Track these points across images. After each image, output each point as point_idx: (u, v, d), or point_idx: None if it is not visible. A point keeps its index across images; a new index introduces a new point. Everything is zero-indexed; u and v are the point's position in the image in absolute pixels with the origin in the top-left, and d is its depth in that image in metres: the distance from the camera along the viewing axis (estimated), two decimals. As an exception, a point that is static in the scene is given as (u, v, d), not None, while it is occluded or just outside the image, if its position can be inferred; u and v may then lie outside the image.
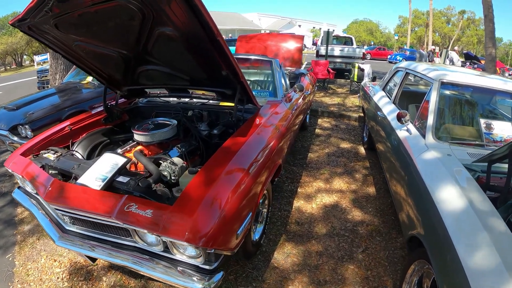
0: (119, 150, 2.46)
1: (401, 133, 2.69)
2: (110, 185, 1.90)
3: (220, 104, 2.97)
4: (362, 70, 9.01)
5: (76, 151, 2.57)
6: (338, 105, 7.60)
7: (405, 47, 37.90)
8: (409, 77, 3.54)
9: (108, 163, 2.01)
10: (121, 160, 2.03)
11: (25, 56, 34.19)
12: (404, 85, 3.58)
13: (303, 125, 5.55)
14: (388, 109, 3.43)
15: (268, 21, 53.56)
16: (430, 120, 2.32)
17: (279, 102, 3.15)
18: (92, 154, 2.68)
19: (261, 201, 2.40)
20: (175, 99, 3.25)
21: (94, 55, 2.45)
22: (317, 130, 5.84)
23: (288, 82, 5.10)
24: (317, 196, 3.56)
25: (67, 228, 2.07)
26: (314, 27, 55.75)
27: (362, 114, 5.83)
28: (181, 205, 1.67)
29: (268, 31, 28.31)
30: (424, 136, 2.33)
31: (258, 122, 2.56)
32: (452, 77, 2.61)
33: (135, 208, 1.67)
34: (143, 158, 2.22)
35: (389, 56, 27.88)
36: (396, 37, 50.69)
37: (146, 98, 3.37)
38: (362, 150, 4.90)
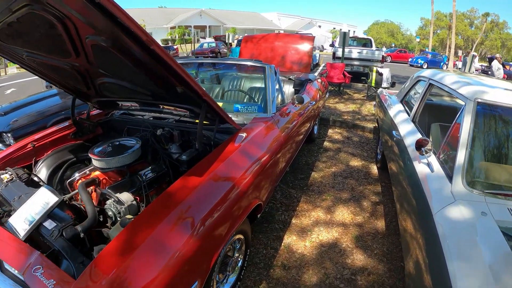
0: (76, 175, 2.18)
1: (420, 167, 2.05)
2: (37, 230, 1.59)
3: (197, 121, 2.43)
4: (381, 74, 8.27)
5: (34, 173, 2.24)
6: (352, 113, 6.91)
7: (426, 50, 36.47)
8: (433, 89, 2.87)
9: (40, 201, 1.66)
10: (52, 199, 1.64)
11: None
12: (427, 98, 2.90)
13: (310, 137, 4.93)
14: (405, 129, 2.78)
15: (287, 21, 52.88)
16: (461, 157, 1.68)
17: (268, 120, 2.56)
18: (55, 175, 2.33)
19: (221, 255, 1.84)
20: (148, 113, 2.77)
21: (48, 66, 2.14)
22: (326, 143, 5.20)
23: (290, 90, 4.55)
24: (313, 230, 2.94)
25: None
26: (334, 28, 54.59)
27: (376, 117, 5.16)
28: (86, 281, 1.22)
29: (282, 31, 27.67)
30: (450, 178, 1.69)
31: (229, 150, 2.01)
32: (493, 96, 1.94)
33: (40, 273, 1.32)
34: (84, 194, 1.85)
35: (410, 59, 26.89)
36: (418, 40, 49.17)
37: (120, 110, 2.91)
38: (374, 169, 4.23)
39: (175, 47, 14.53)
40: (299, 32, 30.06)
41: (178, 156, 2.16)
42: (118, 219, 1.75)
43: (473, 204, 1.49)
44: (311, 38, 5.81)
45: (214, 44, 22.67)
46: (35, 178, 2.19)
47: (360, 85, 10.30)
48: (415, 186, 1.99)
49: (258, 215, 2.36)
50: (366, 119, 6.40)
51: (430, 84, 2.79)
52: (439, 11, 51.57)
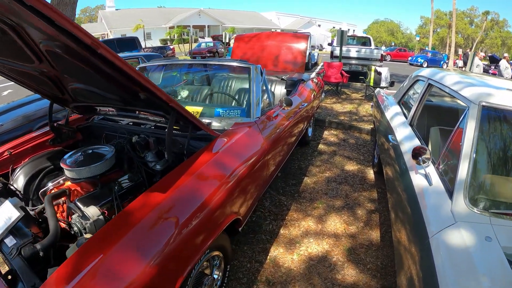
0: (50, 184, 2.06)
1: (417, 179, 1.83)
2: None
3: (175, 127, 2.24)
4: (379, 73, 8.06)
5: (10, 183, 2.12)
6: (349, 114, 6.68)
7: (426, 48, 36.24)
8: (433, 89, 2.64)
9: (3, 216, 1.59)
10: (14, 215, 1.56)
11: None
12: (426, 99, 2.68)
13: (304, 140, 4.71)
14: (402, 133, 2.55)
15: (287, 21, 52.69)
16: (463, 170, 1.45)
17: (251, 125, 2.34)
18: (32, 184, 2.18)
19: (192, 276, 1.64)
20: (125, 119, 2.61)
21: (19, 72, 2.01)
22: (321, 146, 4.97)
23: (282, 91, 4.32)
24: (302, 242, 2.73)
25: None
26: (333, 27, 54.31)
27: (373, 119, 4.93)
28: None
29: (279, 31, 27.39)
30: (451, 194, 1.46)
31: (201, 161, 1.79)
32: (501, 98, 1.70)
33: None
34: (49, 208, 1.71)
35: (410, 58, 26.64)
36: (418, 38, 48.97)
37: (100, 116, 2.74)
38: (370, 174, 4.01)
39: (171, 47, 14.35)
40: (298, 31, 29.79)
41: (152, 166, 1.98)
42: (84, 235, 1.60)
43: (476, 226, 1.27)
44: (305, 37, 5.58)
45: (211, 44, 22.45)
46: (12, 187, 2.10)
47: (358, 84, 10.07)
48: (411, 200, 1.77)
49: (239, 229, 2.15)
50: (364, 120, 6.17)
51: (429, 84, 2.56)
52: (439, 9, 51.61)
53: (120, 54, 7.60)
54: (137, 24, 31.67)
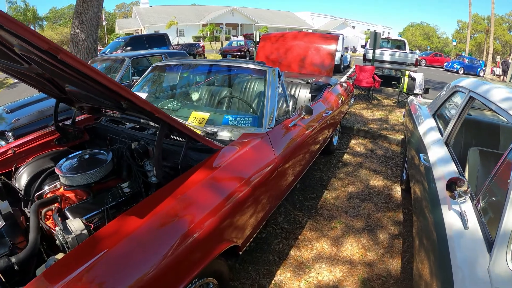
0: (46, 188, 1.96)
1: (449, 216, 1.51)
2: None
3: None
4: (413, 79, 7.54)
5: (10, 182, 2.03)
6: (379, 121, 6.26)
7: (463, 54, 34.36)
8: (474, 102, 2.27)
9: None
10: None
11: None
12: (466, 114, 2.31)
13: (329, 149, 4.39)
14: (436, 153, 2.21)
15: (321, 21, 51.79)
16: (510, 217, 1.12)
17: (261, 137, 2.09)
18: (33, 184, 2.08)
19: None
20: (130, 122, 2.49)
21: (20, 73, 1.94)
22: (346, 156, 4.63)
23: (307, 96, 4.04)
24: (313, 267, 2.45)
25: None
26: (368, 29, 52.73)
27: (404, 132, 4.54)
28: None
29: (310, 31, 26.77)
30: (490, 246, 1.15)
31: (194, 181, 1.57)
32: None
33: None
34: (33, 218, 1.61)
35: (445, 64, 25.34)
36: (455, 43, 46.55)
37: (106, 117, 2.64)
38: (397, 191, 3.64)
39: (201, 44, 14.34)
40: (331, 32, 29.10)
41: (149, 176, 1.83)
42: (67, 249, 1.45)
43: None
44: (335, 38, 5.22)
45: (243, 43, 22.33)
46: (14, 186, 2.02)
47: (390, 90, 9.53)
48: (440, 241, 1.45)
49: (240, 252, 1.92)
50: (394, 129, 5.74)
51: (470, 97, 2.19)
52: (476, 13, 49.00)
53: (144, 51, 7.60)
54: (170, 21, 32.20)
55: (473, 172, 2.10)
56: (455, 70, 23.11)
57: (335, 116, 3.93)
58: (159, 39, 11.89)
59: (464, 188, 1.46)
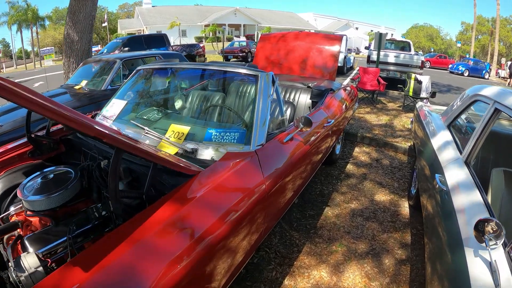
0: (11, 208, 1.72)
1: (476, 266, 1.19)
2: None
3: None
4: (420, 82, 7.22)
5: None
6: (385, 127, 5.92)
7: (467, 56, 33.91)
8: (500, 115, 1.94)
9: None
10: None
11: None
12: (491, 128, 1.97)
13: (331, 158, 4.06)
14: (455, 176, 1.88)
15: (324, 22, 51.44)
16: None
17: (247, 157, 1.77)
18: (4, 201, 1.88)
19: None
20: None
21: None
22: (349, 167, 4.30)
23: (307, 101, 3.72)
24: (312, 303, 2.13)
25: None
26: (371, 30, 52.31)
27: (413, 141, 4.21)
28: None
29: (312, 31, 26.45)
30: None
31: (162, 217, 1.28)
32: None
33: None
34: None
35: (450, 66, 24.93)
36: (459, 45, 46.03)
37: None
38: (405, 208, 3.31)
39: (201, 45, 14.06)
40: (335, 33, 28.72)
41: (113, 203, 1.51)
42: None
43: None
44: (338, 38, 4.89)
45: (245, 43, 22.04)
46: None
47: (396, 93, 9.19)
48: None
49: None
50: (401, 136, 5.40)
51: (496, 109, 1.87)
52: (480, 15, 48.50)
53: (137, 52, 7.31)
54: (172, 21, 31.97)
55: (497, 198, 1.78)
56: (460, 72, 22.75)
57: (338, 124, 3.61)
58: (158, 40, 11.61)
59: (494, 230, 1.15)
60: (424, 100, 7.47)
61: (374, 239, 2.79)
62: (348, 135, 5.37)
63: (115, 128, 1.81)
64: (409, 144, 4.91)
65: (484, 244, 1.19)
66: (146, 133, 2.09)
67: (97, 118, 2.62)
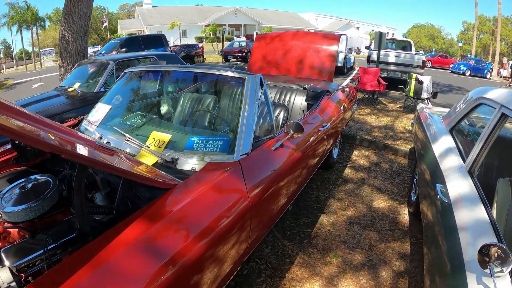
0: None
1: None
2: None
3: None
4: (421, 83, 7.08)
5: None
6: (384, 129, 5.77)
7: (469, 55, 33.69)
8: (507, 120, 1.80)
9: None
10: None
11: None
12: (497, 134, 1.82)
13: (328, 163, 3.91)
14: (457, 187, 1.73)
15: (325, 22, 51.29)
16: None
17: (230, 168, 1.63)
18: None
19: None
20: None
21: None
22: (347, 171, 4.15)
23: (303, 104, 3.59)
24: (304, 322, 1.99)
25: None
26: (372, 30, 52.13)
27: (414, 145, 4.06)
28: None
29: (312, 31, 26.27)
30: None
31: (132, 235, 1.17)
32: None
33: None
34: None
35: (451, 65, 24.74)
36: (461, 44, 45.83)
37: None
38: (404, 215, 3.17)
39: (200, 45, 13.93)
40: (336, 33, 28.51)
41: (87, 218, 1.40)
42: None
43: None
44: (336, 38, 4.73)
45: (244, 43, 21.90)
46: None
47: (396, 93, 9.02)
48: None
49: None
50: (401, 138, 5.25)
51: (503, 114, 1.72)
52: (482, 14, 48.40)
53: (131, 54, 7.20)
54: (172, 22, 31.86)
55: (502, 211, 1.63)
56: (461, 72, 22.58)
57: (335, 128, 3.47)
58: (156, 40, 11.47)
59: (502, 258, 1.01)
60: (425, 101, 7.33)
61: (371, 250, 2.64)
62: (347, 138, 5.22)
63: (89, 138, 1.68)
64: (409, 146, 4.76)
65: (488, 271, 1.05)
66: (127, 140, 1.96)
67: (83, 124, 2.51)
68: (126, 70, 2.73)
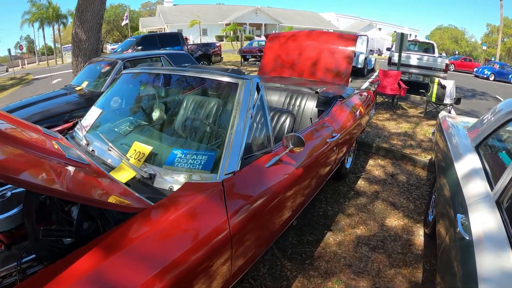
0: None
1: None
2: None
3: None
4: (444, 87, 6.66)
5: None
6: (403, 136, 5.41)
7: (493, 59, 32.22)
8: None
9: None
10: None
11: (108, 45, 36.70)
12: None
13: (340, 173, 3.63)
14: (482, 222, 1.45)
15: (346, 22, 50.40)
16: None
17: (210, 189, 1.41)
18: None
19: None
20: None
21: None
22: (361, 183, 3.85)
23: (314, 110, 3.34)
24: None
25: None
26: (395, 31, 50.83)
27: (434, 158, 3.73)
28: None
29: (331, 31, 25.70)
30: None
31: (85, 266, 1.03)
32: None
33: None
34: None
35: (475, 69, 23.67)
36: (485, 47, 43.98)
37: None
38: (419, 236, 2.87)
39: (217, 44, 13.80)
40: (357, 34, 27.81)
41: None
42: None
43: None
44: (353, 38, 4.41)
45: (264, 43, 21.67)
46: None
47: (417, 97, 8.58)
48: None
49: None
50: (421, 147, 4.89)
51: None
52: (506, 17, 46.08)
53: (140, 52, 7.10)
54: (192, 20, 31.97)
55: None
56: (485, 76, 21.60)
57: (348, 137, 3.20)
58: (173, 38, 11.39)
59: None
60: (448, 107, 6.90)
61: (378, 275, 2.37)
62: (362, 145, 4.91)
63: (60, 152, 1.52)
64: (429, 157, 4.42)
65: None
66: (109, 150, 1.79)
67: (76, 128, 2.38)
68: (123, 72, 2.57)
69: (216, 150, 1.59)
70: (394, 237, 2.83)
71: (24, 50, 34.16)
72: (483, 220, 1.44)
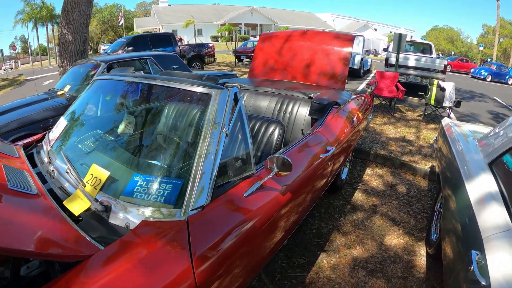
0: None
1: None
2: None
3: None
4: (443, 90, 6.43)
5: None
6: (402, 142, 5.17)
7: (489, 59, 32.25)
8: None
9: None
10: None
11: (102, 45, 36.33)
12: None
13: (335, 185, 3.38)
14: (504, 262, 1.21)
15: (342, 23, 50.29)
16: None
17: (171, 230, 1.15)
18: None
19: None
20: None
21: None
22: (357, 195, 3.60)
23: (306, 119, 3.09)
24: None
25: None
26: (391, 32, 50.83)
27: (436, 167, 3.49)
28: None
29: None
30: None
31: None
32: None
33: None
34: None
35: (472, 70, 23.64)
36: (481, 48, 44.08)
37: None
38: (421, 257, 2.62)
39: (210, 44, 13.49)
40: (353, 34, 27.60)
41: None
42: None
43: None
44: (349, 38, 4.15)
45: (258, 43, 21.41)
46: None
47: (415, 100, 8.37)
48: None
49: None
50: (420, 153, 4.65)
51: None
52: (502, 18, 46.31)
53: (125, 54, 6.82)
54: (187, 20, 31.64)
55: None
56: (482, 77, 21.53)
57: (344, 149, 2.95)
58: (165, 39, 11.09)
59: None
60: (447, 110, 6.68)
61: (379, 307, 2.13)
62: (359, 153, 4.67)
63: (4, 179, 1.27)
64: (430, 164, 4.18)
65: None
66: (67, 171, 1.53)
67: (43, 141, 2.14)
68: (95, 78, 2.30)
69: (184, 176, 1.32)
70: (394, 258, 2.58)
71: (19, 50, 33.69)
72: (504, 263, 1.19)
